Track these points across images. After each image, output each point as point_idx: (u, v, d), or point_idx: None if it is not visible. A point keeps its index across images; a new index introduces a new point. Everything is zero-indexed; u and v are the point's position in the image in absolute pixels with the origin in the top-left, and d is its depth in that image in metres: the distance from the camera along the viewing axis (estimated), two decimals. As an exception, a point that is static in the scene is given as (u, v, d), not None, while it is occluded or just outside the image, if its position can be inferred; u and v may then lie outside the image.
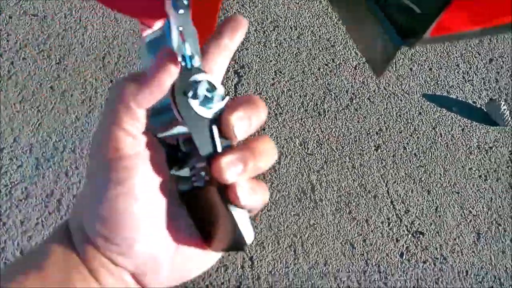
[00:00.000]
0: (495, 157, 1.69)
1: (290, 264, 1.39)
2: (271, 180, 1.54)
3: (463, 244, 1.50)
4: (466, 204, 1.58)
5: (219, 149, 0.29)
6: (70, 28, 1.73)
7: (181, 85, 0.29)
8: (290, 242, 1.43)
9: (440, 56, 1.90)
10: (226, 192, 0.29)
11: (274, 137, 1.63)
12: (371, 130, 1.70)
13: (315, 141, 1.64)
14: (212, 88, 0.30)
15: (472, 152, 1.71)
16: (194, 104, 0.29)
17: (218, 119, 0.29)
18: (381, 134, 1.70)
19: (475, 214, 1.57)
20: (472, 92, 1.84)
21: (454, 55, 1.91)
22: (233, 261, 1.37)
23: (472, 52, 1.93)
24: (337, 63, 1.80)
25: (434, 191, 1.60)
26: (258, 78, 1.73)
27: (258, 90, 1.70)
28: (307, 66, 1.78)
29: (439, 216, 1.55)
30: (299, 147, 1.62)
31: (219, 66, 0.33)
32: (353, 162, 1.61)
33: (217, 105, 0.30)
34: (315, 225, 1.47)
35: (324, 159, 1.60)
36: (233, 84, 1.71)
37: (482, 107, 1.80)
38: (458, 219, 1.55)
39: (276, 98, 1.71)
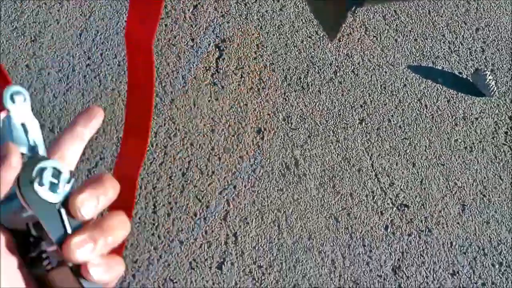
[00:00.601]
0: (480, 128, 1.68)
1: (274, 239, 1.38)
2: (254, 156, 1.52)
3: (448, 216, 1.50)
4: (451, 176, 1.58)
5: (69, 231, 0.30)
6: (45, 4, 1.67)
7: (26, 174, 0.30)
8: (274, 218, 1.42)
9: (425, 26, 1.87)
10: (79, 271, 0.30)
11: (257, 112, 1.60)
12: (355, 103, 1.68)
13: (298, 116, 1.61)
14: (57, 173, 0.31)
15: (458, 123, 1.69)
16: (41, 191, 0.30)
17: (66, 202, 0.31)
18: (365, 107, 1.68)
19: (460, 185, 1.56)
20: (458, 63, 1.81)
21: (440, 25, 1.88)
22: (216, 237, 1.36)
23: (458, 22, 1.89)
24: (321, 35, 1.76)
25: (419, 163, 1.59)
26: (239, 52, 1.69)
27: (240, 64, 1.67)
28: (290, 39, 1.74)
29: (424, 188, 1.54)
30: (282, 122, 1.59)
31: (72, 152, 0.36)
32: (337, 136, 1.59)
33: (64, 189, 0.31)
34: (299, 200, 1.46)
35: (308, 133, 1.58)
36: (214, 59, 1.67)
37: (468, 78, 1.78)
38: (444, 191, 1.54)
39: (258, 73, 1.67)
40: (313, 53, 1.73)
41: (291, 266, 1.34)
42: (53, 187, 0.31)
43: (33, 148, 0.32)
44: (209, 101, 1.60)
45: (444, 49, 1.83)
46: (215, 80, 1.64)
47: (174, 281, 1.27)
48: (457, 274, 1.40)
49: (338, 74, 1.73)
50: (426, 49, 1.84)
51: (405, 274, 1.38)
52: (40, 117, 1.48)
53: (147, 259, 1.30)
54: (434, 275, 1.39)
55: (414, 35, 1.84)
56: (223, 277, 1.30)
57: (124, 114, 1.47)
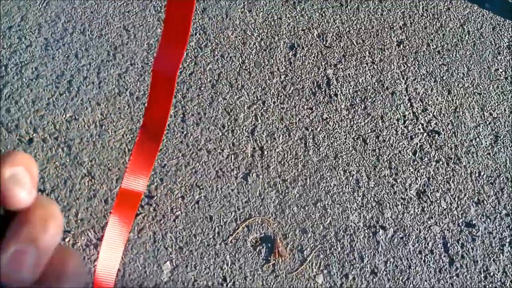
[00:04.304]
0: (524, 58, 1.60)
1: (300, 155, 1.38)
2: (286, 72, 1.48)
3: (479, 145, 1.47)
4: (487, 105, 1.53)
5: None
6: None
7: None
8: (301, 135, 1.41)
9: None
10: None
11: (291, 27, 1.55)
12: (394, 24, 1.60)
13: (334, 33, 1.55)
14: None
15: (501, 52, 1.61)
16: None
17: None
18: (405, 28, 1.60)
19: (495, 116, 1.51)
20: (509, -13, 1.69)
21: None
22: (243, 150, 1.36)
23: None
24: (364, -51, 1.66)
25: (455, 91, 1.53)
26: (277, -38, 1.61)
27: (277, -24, 1.59)
28: (331, -49, 1.65)
29: (458, 116, 1.50)
30: (317, 39, 1.54)
31: None
32: (372, 57, 1.54)
33: None
34: (328, 120, 1.44)
35: (343, 52, 1.53)
36: (250, -31, 1.59)
37: (518, 4, 1.67)
38: (477, 120, 1.50)
39: (295, -14, 1.60)
40: (354, -32, 1.64)
41: (315, 182, 1.35)
42: None
43: None
44: (242, 12, 1.55)
45: (495, -29, 1.71)
46: (249, -9, 1.58)
47: (201, 187, 1.30)
48: (482, 203, 1.39)
49: (378, -7, 1.64)
50: (476, -29, 1.73)
51: (429, 199, 1.37)
52: (71, 19, 1.46)
53: (175, 165, 1.32)
54: (459, 202, 1.38)
55: (465, -46, 1.72)
56: (248, 187, 1.32)
57: (154, 20, 1.43)
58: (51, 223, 0.25)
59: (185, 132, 1.36)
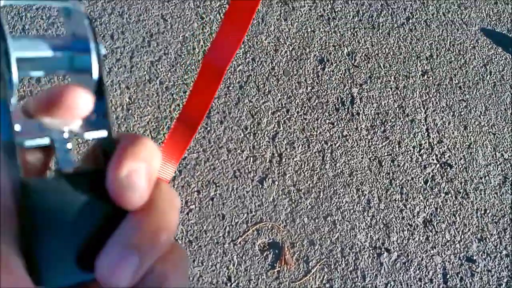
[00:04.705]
0: (541, 106, 1.64)
1: (317, 168, 1.40)
2: (312, 84, 1.51)
3: (488, 184, 1.50)
4: (500, 146, 1.56)
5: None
6: None
7: None
8: (320, 148, 1.43)
9: (511, -9, 1.79)
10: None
11: (323, 42, 1.57)
12: (421, 54, 1.64)
13: (363, 54, 1.58)
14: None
15: (519, 97, 1.66)
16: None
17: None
18: (431, 60, 1.64)
19: (506, 158, 1.55)
20: (534, 36, 1.74)
21: (526, -8, 1.79)
22: (262, 154, 1.38)
23: (545, -7, 1.80)
24: (403, -23, 1.70)
25: (471, 127, 1.57)
26: (318, -24, 1.64)
27: (316, -11, 1.62)
28: (371, -26, 1.68)
29: (471, 153, 1.53)
30: (346, 56, 1.57)
31: None
32: (397, 83, 1.57)
33: None
34: (348, 137, 1.46)
35: (369, 74, 1.56)
36: (291, -22, 1.62)
37: (541, 53, 1.72)
38: (489, 159, 1.54)
39: (331, 1, 1.63)
40: (391, -6, 1.67)
41: (328, 196, 1.37)
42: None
43: None
44: (277, 19, 1.57)
45: (524, 18, 1.76)
46: (287, 0, 1.60)
47: (217, 184, 1.31)
48: (484, 240, 1.42)
49: (410, 21, 1.68)
50: (505, 15, 1.77)
51: (435, 229, 1.40)
52: (112, 0, 1.46)
53: (195, 159, 1.33)
54: (462, 236, 1.41)
55: (498, -3, 1.77)
56: (262, 191, 1.33)
57: (192, 14, 1.44)
58: (167, 232, 0.23)
59: (208, 128, 1.37)
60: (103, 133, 0.23)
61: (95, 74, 0.23)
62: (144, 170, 0.22)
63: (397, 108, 1.53)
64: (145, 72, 1.40)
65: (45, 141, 0.22)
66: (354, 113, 1.50)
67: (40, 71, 0.23)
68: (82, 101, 0.22)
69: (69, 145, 0.22)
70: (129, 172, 0.21)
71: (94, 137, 0.23)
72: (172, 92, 1.39)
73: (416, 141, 1.51)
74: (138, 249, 0.21)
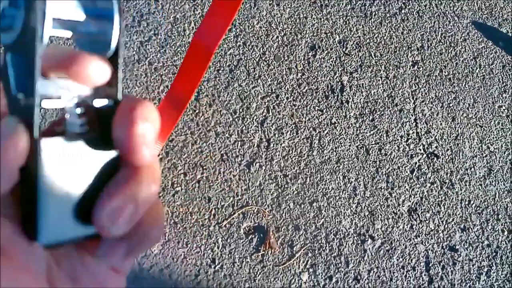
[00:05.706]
0: (528, 100, 1.66)
1: (304, 154, 1.40)
2: (303, 71, 1.50)
3: (473, 175, 1.52)
4: (486, 139, 1.58)
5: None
6: None
7: None
8: (309, 135, 1.43)
9: (503, -16, 1.79)
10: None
11: (315, 28, 1.57)
12: (412, 45, 1.64)
13: (355, 42, 1.58)
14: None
15: (507, 90, 1.67)
16: None
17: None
18: (422, 51, 1.64)
19: (492, 150, 1.57)
20: (525, 31, 1.75)
21: (518, -13, 1.80)
22: (250, 139, 1.37)
23: (537, -11, 1.81)
24: (397, -33, 1.69)
25: (459, 119, 1.58)
26: (312, -38, 1.63)
27: (309, -25, 1.61)
28: (365, -38, 1.67)
29: (457, 144, 1.54)
30: (338, 44, 1.57)
31: None
32: (387, 72, 1.57)
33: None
34: (336, 124, 1.46)
35: (360, 62, 1.56)
36: (284, -37, 1.61)
37: (530, 48, 1.73)
38: (475, 151, 1.55)
39: (325, -11, 1.62)
40: (384, -17, 1.67)
41: (315, 182, 1.37)
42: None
43: None
44: (270, 4, 1.56)
45: (515, 12, 1.77)
46: (280, -14, 1.60)
47: (204, 167, 1.30)
48: (467, 231, 1.44)
49: (402, 12, 1.68)
50: (496, 9, 1.78)
51: (419, 218, 1.41)
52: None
53: (182, 141, 1.32)
54: (446, 226, 1.43)
55: (490, -10, 1.77)
56: (249, 175, 1.33)
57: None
58: (156, 185, 0.25)
59: (197, 111, 1.37)
60: (111, 102, 0.25)
61: (114, 45, 0.24)
62: (153, 130, 0.24)
63: (386, 98, 1.54)
64: (134, 52, 1.38)
65: (61, 104, 0.23)
66: (344, 101, 1.50)
67: (68, 31, 0.24)
68: (97, 70, 0.23)
69: (79, 110, 0.24)
70: (144, 130, 0.23)
71: (103, 105, 0.24)
72: (161, 73, 1.37)
73: (404, 131, 1.51)
74: (135, 199, 0.24)
